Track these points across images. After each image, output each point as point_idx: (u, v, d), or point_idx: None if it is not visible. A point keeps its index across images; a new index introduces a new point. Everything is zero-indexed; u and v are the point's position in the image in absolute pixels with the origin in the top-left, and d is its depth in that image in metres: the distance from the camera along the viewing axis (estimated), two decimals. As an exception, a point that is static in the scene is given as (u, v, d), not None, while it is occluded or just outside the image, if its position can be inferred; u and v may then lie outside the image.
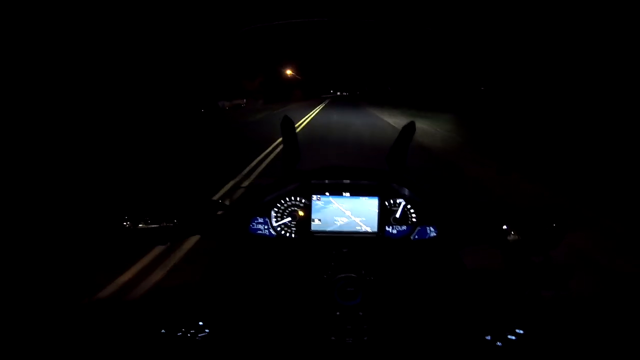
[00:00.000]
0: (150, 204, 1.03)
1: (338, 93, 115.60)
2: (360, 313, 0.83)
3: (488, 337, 0.80)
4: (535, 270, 1.00)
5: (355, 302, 0.85)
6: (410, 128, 1.17)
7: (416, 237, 1.10)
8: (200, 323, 0.80)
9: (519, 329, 0.80)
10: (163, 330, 0.77)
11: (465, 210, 1.12)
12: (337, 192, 1.09)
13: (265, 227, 1.09)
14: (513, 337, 0.79)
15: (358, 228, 1.09)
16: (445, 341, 0.83)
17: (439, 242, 1.08)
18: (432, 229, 1.10)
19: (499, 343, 0.79)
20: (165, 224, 0.99)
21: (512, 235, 1.05)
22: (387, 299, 0.89)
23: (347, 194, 1.09)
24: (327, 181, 1.11)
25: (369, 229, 1.09)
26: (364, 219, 1.09)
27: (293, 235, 1.09)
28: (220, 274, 1.00)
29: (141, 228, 0.98)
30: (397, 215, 1.10)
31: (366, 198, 1.09)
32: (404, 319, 0.86)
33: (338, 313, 0.83)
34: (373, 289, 0.87)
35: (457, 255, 1.07)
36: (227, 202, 1.12)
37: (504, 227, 1.06)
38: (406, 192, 1.11)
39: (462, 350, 0.81)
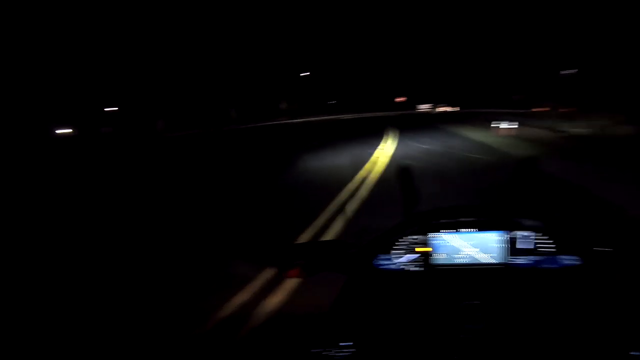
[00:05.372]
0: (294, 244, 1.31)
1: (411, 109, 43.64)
2: (486, 337, 0.90)
3: (635, 353, 0.82)
4: None
5: (479, 327, 0.91)
6: (529, 162, 1.22)
7: (549, 266, 1.10)
8: (343, 344, 0.92)
9: None
10: (314, 350, 0.90)
11: (610, 233, 1.12)
12: (459, 228, 1.14)
13: (389, 262, 1.17)
14: None
15: (484, 261, 1.13)
16: (587, 358, 0.85)
17: (578, 269, 1.08)
18: (567, 257, 1.10)
19: None
20: (298, 262, 1.19)
21: None
22: (513, 323, 0.93)
23: (471, 230, 1.13)
24: (449, 220, 1.16)
25: (495, 261, 1.12)
26: (489, 252, 1.12)
27: (417, 269, 1.16)
28: (351, 302, 1.13)
29: (287, 262, 1.20)
30: (525, 246, 1.11)
31: (491, 233, 1.12)
32: (532, 341, 0.89)
33: (462, 336, 0.90)
34: (498, 314, 0.94)
35: (603, 279, 1.09)
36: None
37: None
38: (534, 224, 1.12)
39: None
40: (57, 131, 29.99)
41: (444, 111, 39.60)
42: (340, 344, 0.90)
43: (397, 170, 1.25)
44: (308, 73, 44.29)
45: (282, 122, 36.91)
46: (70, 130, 30.64)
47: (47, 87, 30.71)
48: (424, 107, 45.38)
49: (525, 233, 1.10)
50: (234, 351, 2.14)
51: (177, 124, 33.74)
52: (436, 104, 42.75)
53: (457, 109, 40.01)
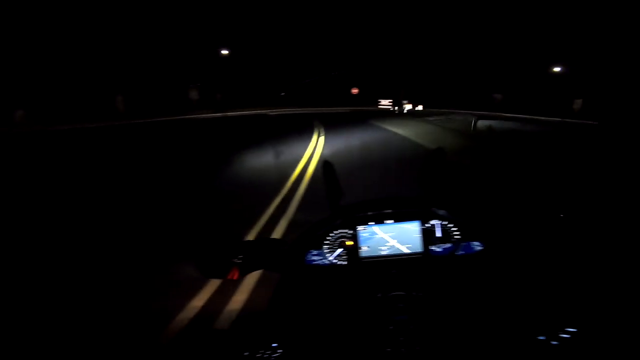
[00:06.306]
0: (221, 243, 1.22)
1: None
2: (411, 326, 0.93)
3: (542, 337, 0.84)
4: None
5: (405, 317, 0.95)
6: (438, 154, 1.24)
7: (462, 252, 1.20)
8: (274, 345, 0.90)
9: (571, 327, 0.83)
10: (246, 353, 0.88)
11: (512, 221, 1.19)
12: (380, 220, 1.21)
13: (319, 257, 1.22)
14: (567, 336, 0.82)
15: (404, 251, 1.21)
16: (498, 344, 0.88)
17: (486, 254, 1.18)
18: (477, 243, 1.20)
19: (553, 342, 0.83)
20: (235, 260, 1.15)
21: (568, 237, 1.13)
22: (435, 310, 0.98)
23: (391, 221, 1.21)
24: (370, 213, 1.23)
25: (414, 251, 1.21)
26: (408, 242, 1.21)
27: (345, 263, 1.21)
28: (284, 300, 1.18)
29: (215, 263, 1.15)
30: (439, 234, 1.21)
31: (408, 223, 1.21)
32: (454, 328, 0.93)
33: (391, 327, 0.93)
34: (421, 304, 0.99)
35: (509, 262, 1.15)
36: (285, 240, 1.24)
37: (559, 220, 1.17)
38: (445, 213, 1.21)
39: (516, 352, 0.85)
40: None
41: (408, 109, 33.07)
42: (273, 345, 0.90)
43: (322, 165, 1.25)
44: (227, 52, 32.79)
45: (193, 116, 28.84)
46: None
47: None
48: (384, 104, 38.14)
49: (438, 222, 1.18)
50: (159, 357, 2.08)
51: (45, 116, 25.40)
52: (399, 100, 35.64)
53: (420, 107, 33.33)
